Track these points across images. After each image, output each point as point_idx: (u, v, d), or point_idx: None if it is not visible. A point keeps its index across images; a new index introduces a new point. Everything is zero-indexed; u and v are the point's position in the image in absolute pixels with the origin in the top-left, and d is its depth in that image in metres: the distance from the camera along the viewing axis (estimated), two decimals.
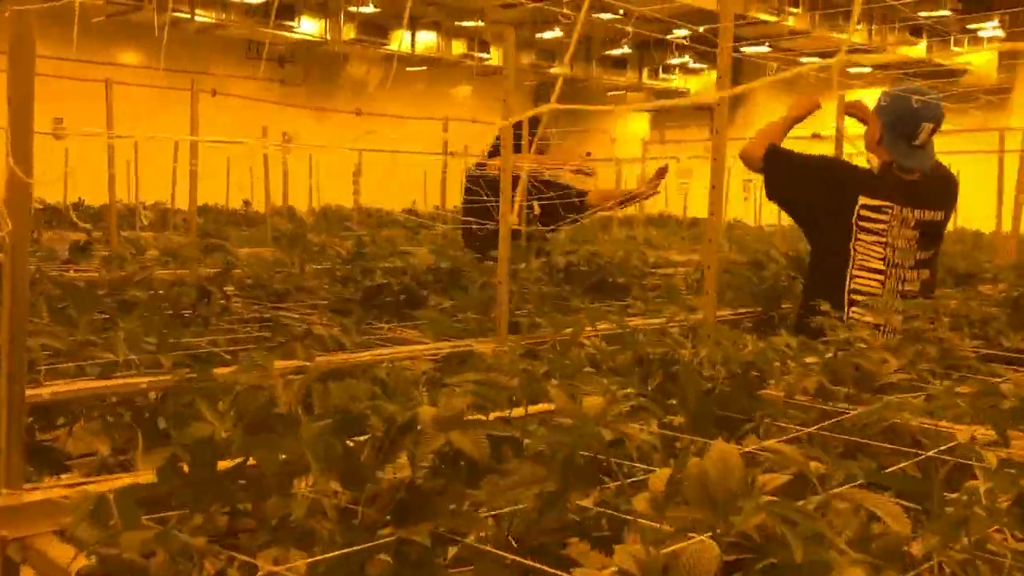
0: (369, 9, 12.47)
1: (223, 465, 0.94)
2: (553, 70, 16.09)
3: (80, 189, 9.83)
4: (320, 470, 0.91)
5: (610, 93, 18.27)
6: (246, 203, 11.03)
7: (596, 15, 11.83)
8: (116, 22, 12.65)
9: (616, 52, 15.53)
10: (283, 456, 0.95)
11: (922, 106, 3.04)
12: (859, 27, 11.80)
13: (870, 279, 2.99)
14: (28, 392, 1.62)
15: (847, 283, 2.99)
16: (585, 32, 14.83)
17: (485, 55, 14.68)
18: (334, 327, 2.64)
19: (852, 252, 2.99)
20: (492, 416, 1.18)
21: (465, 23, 13.90)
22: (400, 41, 13.80)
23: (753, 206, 11.39)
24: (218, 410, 1.25)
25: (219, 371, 1.82)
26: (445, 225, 6.41)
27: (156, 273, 3.50)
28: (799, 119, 3.33)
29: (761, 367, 1.61)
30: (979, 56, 13.68)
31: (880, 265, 3.00)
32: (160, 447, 1.72)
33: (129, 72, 14.22)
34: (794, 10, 10.62)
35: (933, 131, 3.06)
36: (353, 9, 12.29)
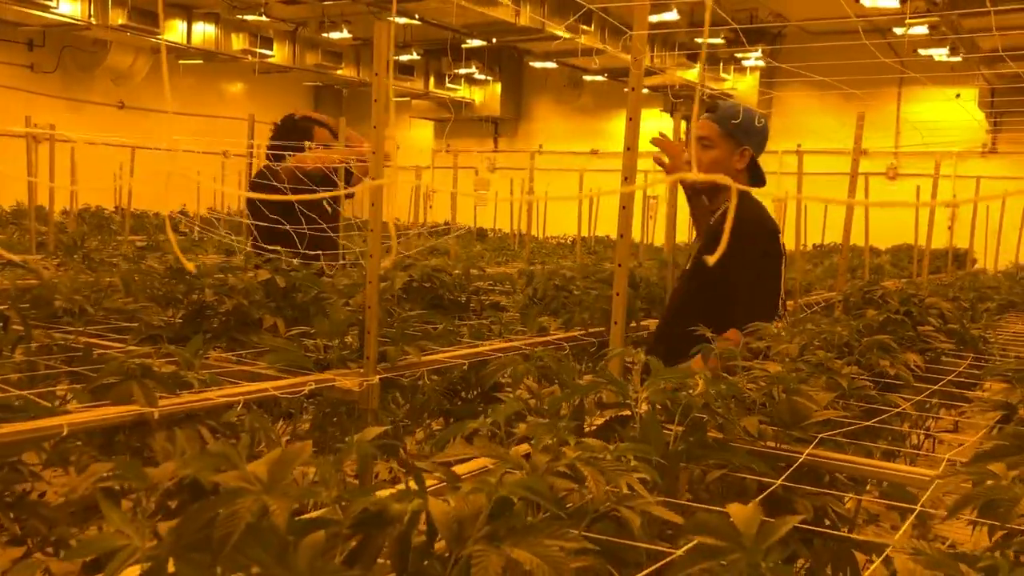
0: None
1: None
2: (339, 72, 15.61)
3: None
4: None
5: (396, 99, 18.01)
6: None
7: (389, 18, 11.57)
8: None
9: (405, 58, 15.30)
10: None
11: (764, 119, 2.88)
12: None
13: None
14: None
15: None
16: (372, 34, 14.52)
17: (267, 52, 13.94)
18: (156, 359, 2.23)
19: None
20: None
21: (247, 16, 13.13)
22: (175, 31, 12.80)
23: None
24: None
25: None
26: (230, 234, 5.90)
27: None
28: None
29: (715, 409, 1.47)
30: (743, 82, 14.80)
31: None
32: None
33: None
34: (586, 28, 10.91)
35: None
36: None
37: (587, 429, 1.50)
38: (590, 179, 12.06)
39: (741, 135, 2.79)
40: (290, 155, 4.06)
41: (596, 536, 0.85)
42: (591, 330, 3.24)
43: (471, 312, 3.60)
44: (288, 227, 3.78)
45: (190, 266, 2.90)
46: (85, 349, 2.38)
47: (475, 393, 2.80)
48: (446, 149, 19.08)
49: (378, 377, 2.23)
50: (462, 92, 17.74)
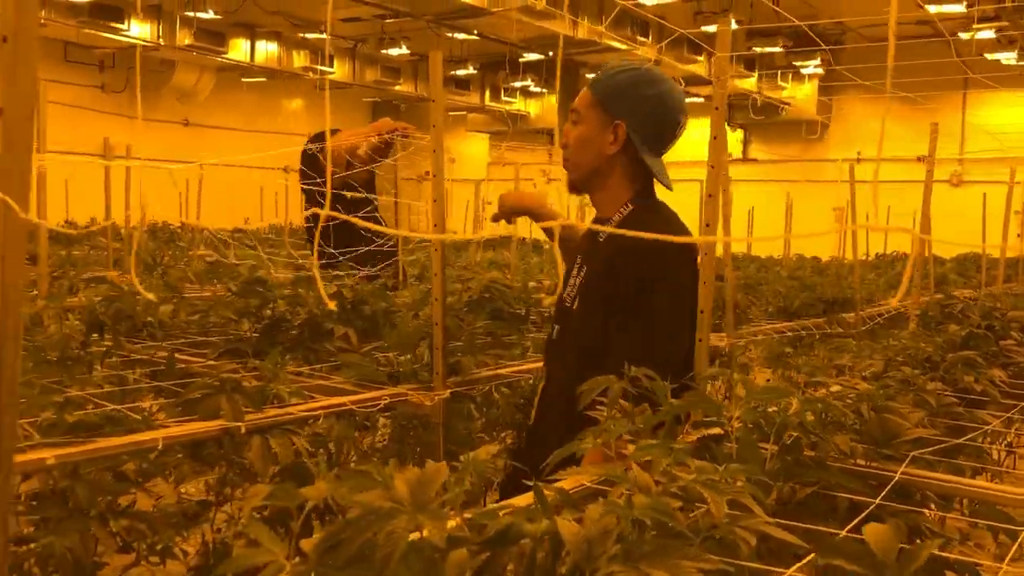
0: (208, 15, 11.75)
1: None
2: (397, 87, 15.81)
3: None
4: None
5: (452, 113, 18.19)
6: (69, 222, 10.07)
7: (448, 34, 11.71)
8: None
9: (461, 72, 15.44)
10: None
11: (674, 92, 1.99)
12: (699, 59, 12.28)
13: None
14: None
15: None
16: (430, 50, 14.68)
17: (328, 68, 14.20)
18: (245, 373, 2.30)
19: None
20: None
21: (308, 35, 13.40)
22: (239, 50, 13.11)
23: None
24: None
25: None
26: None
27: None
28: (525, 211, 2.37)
29: (808, 428, 1.47)
30: (801, 90, 14.62)
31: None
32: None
33: None
34: (643, 39, 10.92)
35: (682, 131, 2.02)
36: (190, 14, 11.54)
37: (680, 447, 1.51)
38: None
39: (612, 103, 1.95)
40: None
41: (716, 557, 0.86)
42: None
43: (531, 324, 3.61)
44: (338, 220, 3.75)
45: (275, 276, 2.99)
46: (169, 363, 2.46)
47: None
48: (502, 163, 19.19)
49: (448, 391, 2.28)
50: (517, 104, 17.84)
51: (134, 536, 1.68)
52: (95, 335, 2.67)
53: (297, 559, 0.79)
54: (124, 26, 11.34)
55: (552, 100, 17.79)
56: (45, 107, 4.18)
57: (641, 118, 1.94)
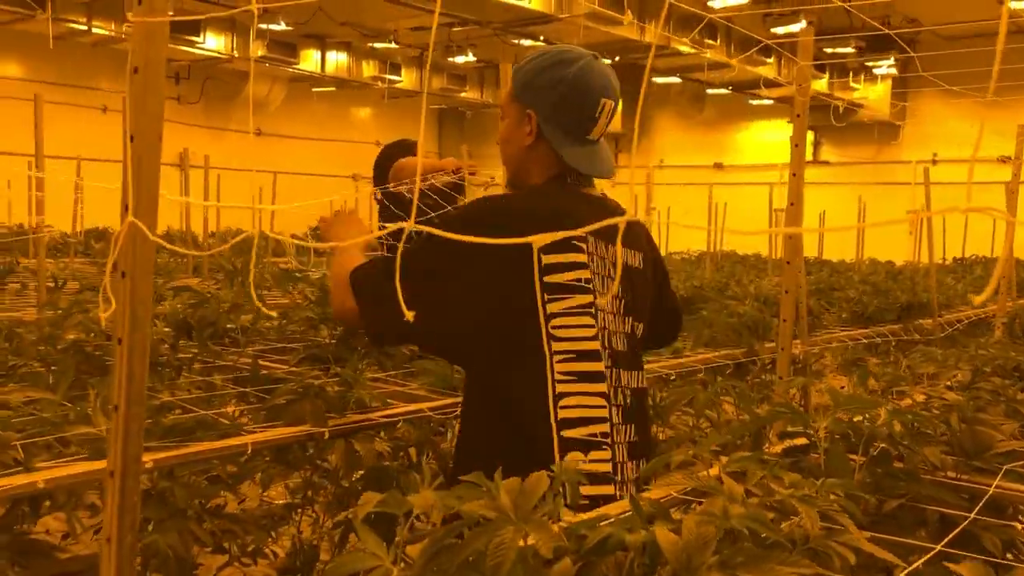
0: (280, 27, 12.03)
1: None
2: (463, 95, 15.94)
3: None
4: None
5: None
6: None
7: (515, 41, 11.77)
8: (4, 29, 11.83)
9: None
10: None
11: (589, 73, 1.74)
12: (769, 60, 12.12)
13: (580, 369, 1.66)
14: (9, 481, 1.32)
15: (549, 385, 1.63)
16: (496, 57, 14.76)
17: (396, 77, 14.40)
18: (327, 378, 2.36)
19: (546, 344, 1.64)
20: None
21: (377, 44, 13.60)
22: (310, 60, 13.39)
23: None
24: None
25: None
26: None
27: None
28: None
29: (897, 439, 1.45)
30: (874, 90, 14.31)
31: (593, 344, 1.67)
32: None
33: (9, 84, 13.33)
34: (711, 42, 10.82)
35: (613, 114, 1.78)
36: (263, 26, 11.82)
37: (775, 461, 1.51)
38: (715, 193, 11.90)
39: (523, 93, 1.78)
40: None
41: (810, 563, 0.86)
42: (725, 351, 3.21)
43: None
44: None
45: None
46: (253, 369, 2.53)
47: None
48: None
49: None
50: None
51: (227, 537, 1.73)
52: (183, 340, 2.76)
53: (402, 564, 0.82)
54: (200, 39, 11.68)
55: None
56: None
57: (551, 104, 1.74)
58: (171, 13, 0.83)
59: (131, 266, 0.78)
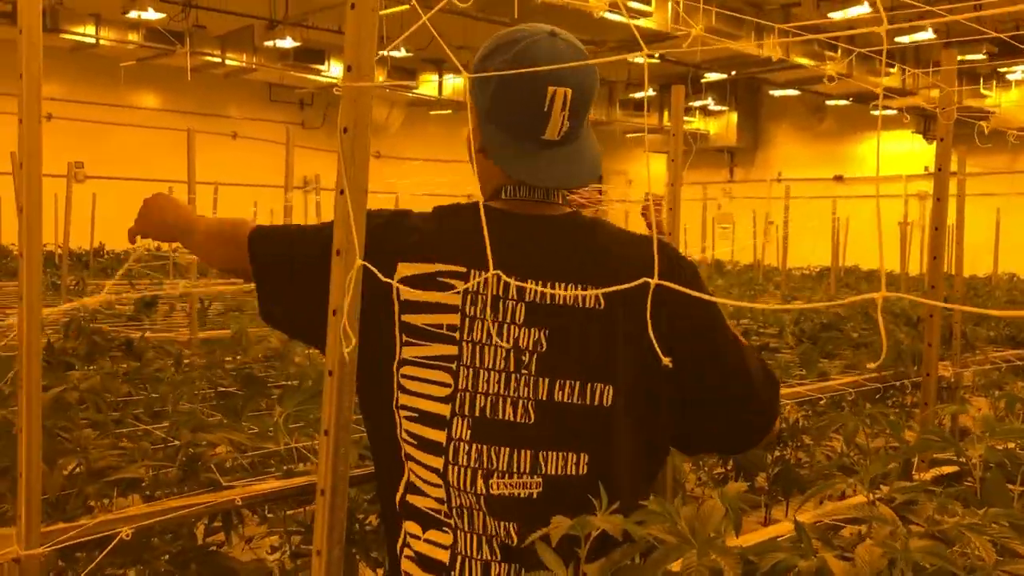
0: (400, 53, 12.43)
1: None
2: None
3: (100, 234, 9.71)
4: None
5: (629, 135, 18.26)
6: None
7: (628, 56, 11.79)
8: (142, 65, 12.63)
9: (638, 95, 15.49)
10: None
11: (533, 55, 1.32)
12: (892, 71, 11.75)
13: (421, 434, 1.33)
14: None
15: (399, 440, 1.34)
16: (609, 75, 14.81)
17: None
18: None
19: (396, 392, 1.34)
20: None
21: None
22: (428, 84, 13.77)
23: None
24: None
25: None
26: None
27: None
28: None
29: None
30: (1007, 97, 13.67)
31: (441, 408, 1.31)
32: None
33: (150, 115, 14.22)
34: (831, 54, 10.58)
35: (576, 107, 1.33)
36: (384, 53, 12.26)
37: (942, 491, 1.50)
38: (835, 206, 11.58)
39: (472, 88, 1.45)
40: None
41: None
42: (873, 374, 3.15)
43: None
44: None
45: None
46: None
47: None
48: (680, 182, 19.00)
49: None
50: (696, 124, 17.67)
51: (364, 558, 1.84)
52: None
53: None
54: (324, 67, 12.19)
55: (733, 118, 17.52)
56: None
57: (490, 98, 1.36)
58: (380, 78, 0.92)
59: (339, 305, 0.87)
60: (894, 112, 14.83)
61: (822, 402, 2.64)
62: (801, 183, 17.01)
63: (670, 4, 9.21)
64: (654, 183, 19.40)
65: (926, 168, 13.36)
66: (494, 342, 1.28)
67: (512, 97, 1.33)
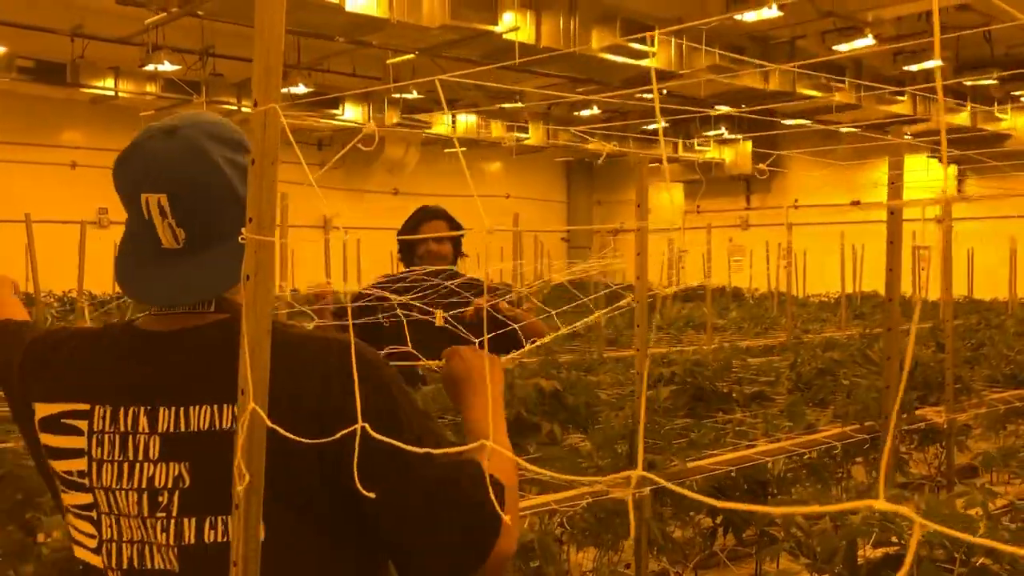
0: (412, 95, 12.64)
1: None
2: (590, 146, 16.19)
3: None
4: None
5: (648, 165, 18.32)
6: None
7: (638, 91, 11.90)
8: (162, 113, 12.93)
9: (651, 127, 15.60)
10: None
11: (128, 160, 1.19)
12: (902, 99, 11.77)
13: None
14: None
15: None
16: (622, 107, 14.93)
17: (523, 135, 14.81)
18: None
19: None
20: None
21: (504, 105, 14.07)
22: (442, 123, 13.97)
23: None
24: None
25: None
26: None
27: None
28: None
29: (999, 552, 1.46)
30: (1022, 120, 13.62)
31: (95, 559, 1.18)
32: None
33: None
34: (840, 84, 10.62)
35: (182, 213, 1.15)
36: (397, 96, 12.46)
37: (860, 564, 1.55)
38: (852, 232, 11.55)
39: None
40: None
41: None
42: (864, 424, 3.16)
43: (734, 402, 3.64)
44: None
45: None
46: None
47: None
48: (696, 210, 19.06)
49: (648, 489, 2.37)
50: (711, 153, 17.73)
51: None
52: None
53: None
54: (339, 111, 12.42)
55: (747, 147, 17.55)
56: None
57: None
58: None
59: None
60: (908, 138, 14.81)
61: (806, 456, 2.67)
62: (817, 209, 17.00)
63: (673, 42, 9.32)
64: (666, 212, 19.39)
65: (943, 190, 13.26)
66: (123, 485, 1.12)
67: (124, 204, 1.19)
